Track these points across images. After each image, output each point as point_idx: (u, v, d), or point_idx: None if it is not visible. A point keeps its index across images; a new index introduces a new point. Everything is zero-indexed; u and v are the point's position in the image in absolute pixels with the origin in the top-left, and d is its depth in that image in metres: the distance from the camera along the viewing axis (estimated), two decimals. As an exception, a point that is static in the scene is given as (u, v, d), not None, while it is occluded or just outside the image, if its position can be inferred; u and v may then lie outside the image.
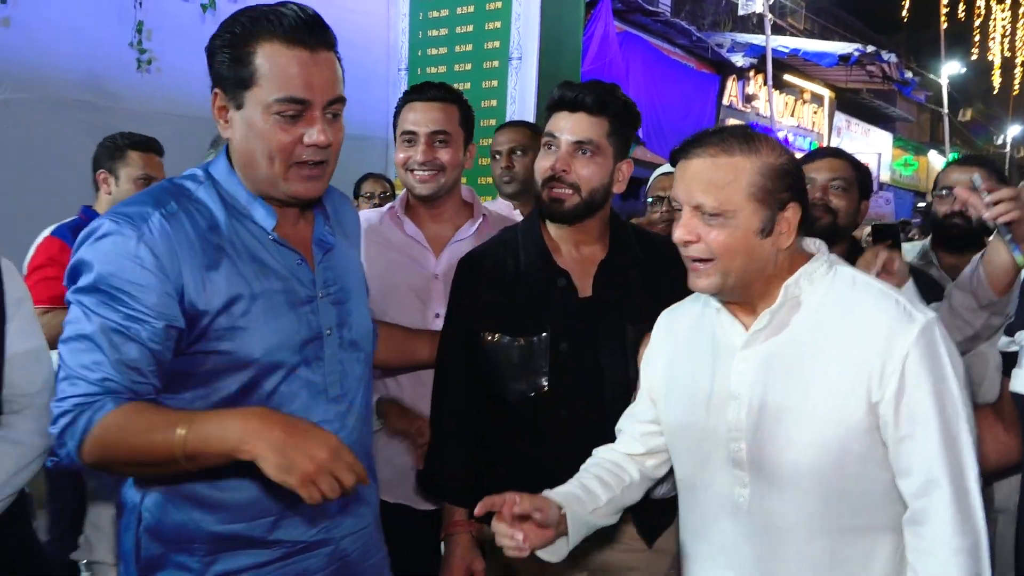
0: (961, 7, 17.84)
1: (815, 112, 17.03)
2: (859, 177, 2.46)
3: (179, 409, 1.32)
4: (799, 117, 16.23)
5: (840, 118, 18.29)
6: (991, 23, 18.95)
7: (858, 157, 2.68)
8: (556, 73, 4.47)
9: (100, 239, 1.30)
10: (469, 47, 4.78)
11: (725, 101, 13.37)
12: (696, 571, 1.54)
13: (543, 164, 1.81)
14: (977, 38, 19.18)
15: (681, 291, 1.72)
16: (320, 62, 1.35)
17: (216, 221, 1.39)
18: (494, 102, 4.64)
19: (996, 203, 1.74)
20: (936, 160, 20.52)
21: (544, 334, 1.79)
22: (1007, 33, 19.53)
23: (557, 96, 1.81)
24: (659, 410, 1.58)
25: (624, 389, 1.73)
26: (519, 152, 2.93)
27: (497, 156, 2.98)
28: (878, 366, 1.33)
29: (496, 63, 4.66)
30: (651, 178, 2.99)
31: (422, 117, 2.10)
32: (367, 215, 2.18)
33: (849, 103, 18.67)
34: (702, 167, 1.39)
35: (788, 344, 1.40)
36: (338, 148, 1.42)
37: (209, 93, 1.41)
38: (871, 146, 18.39)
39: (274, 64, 1.32)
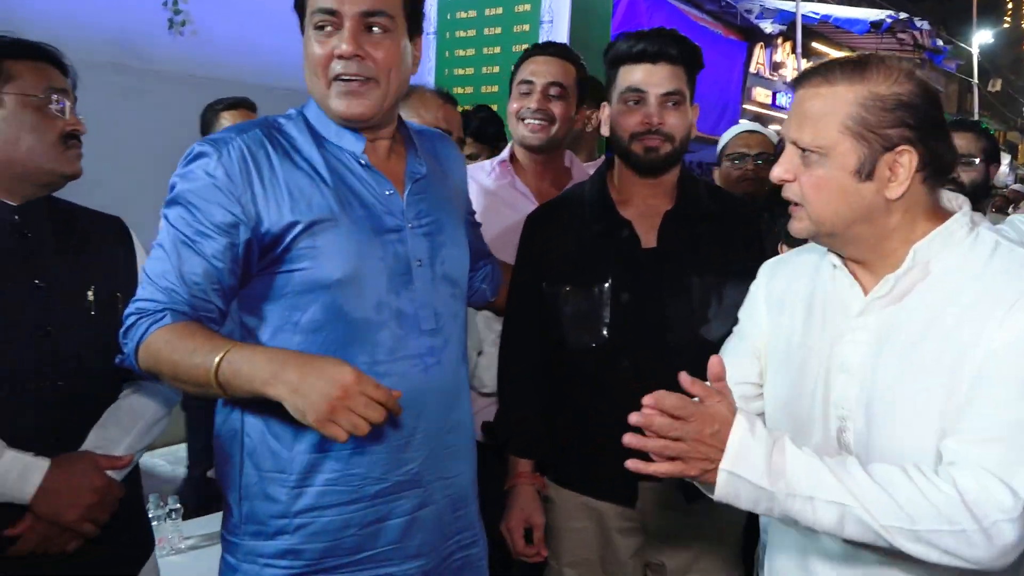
0: (994, -27, 17.39)
1: (842, 81, 16.68)
2: (986, 146, 2.55)
3: (227, 338, 1.36)
4: (826, 86, 15.90)
5: (867, 87, 17.91)
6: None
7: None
8: (587, 37, 4.40)
9: (189, 161, 1.39)
10: (499, 10, 4.70)
11: (752, 69, 13.14)
12: (783, 562, 1.39)
13: (631, 119, 1.79)
14: (1010, 6, 18.73)
15: (753, 250, 1.68)
16: None
17: (302, 148, 1.43)
18: (524, 67, 4.56)
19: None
20: (964, 131, 20.13)
21: (606, 285, 1.78)
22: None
23: (633, 47, 1.77)
24: (763, 372, 1.44)
25: (689, 342, 1.72)
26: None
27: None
28: (984, 339, 1.14)
29: (527, 27, 4.59)
30: (728, 135, 2.99)
31: (541, 68, 2.20)
32: (474, 166, 2.27)
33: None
34: (804, 98, 1.24)
35: (909, 315, 1.23)
36: (387, 65, 1.40)
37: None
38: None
39: None
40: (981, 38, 20.64)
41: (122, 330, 1.39)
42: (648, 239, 1.82)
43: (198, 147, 1.38)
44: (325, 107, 1.43)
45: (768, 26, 12.53)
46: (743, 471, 1.15)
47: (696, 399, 1.18)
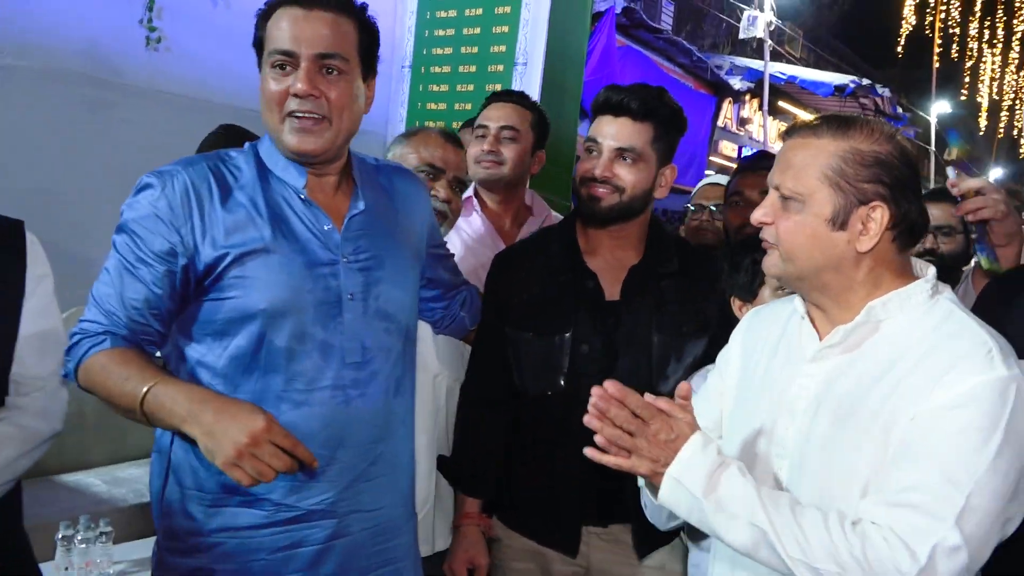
0: (954, 48, 18.12)
1: (806, 140, 17.12)
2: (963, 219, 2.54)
3: (156, 369, 1.40)
4: (790, 144, 16.31)
5: (830, 148, 18.39)
6: (981, 66, 19.26)
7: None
8: (560, 81, 4.48)
9: (136, 191, 1.45)
10: (475, 49, 4.76)
11: (720, 123, 13.46)
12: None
13: (584, 167, 1.82)
14: (967, 79, 19.50)
15: (721, 306, 1.71)
16: (313, 19, 1.44)
17: (246, 181, 1.49)
18: (496, 106, 4.61)
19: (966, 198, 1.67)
20: (920, 196, 20.74)
21: (567, 334, 1.79)
22: (996, 77, 19.85)
23: (603, 99, 1.81)
24: (724, 412, 1.48)
25: None
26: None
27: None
28: (925, 395, 1.17)
29: (501, 67, 4.65)
30: (697, 187, 3.04)
31: (496, 113, 2.36)
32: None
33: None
34: (791, 147, 1.31)
35: (852, 368, 1.27)
36: (340, 105, 1.46)
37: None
38: (858, 178, 18.55)
39: (274, 22, 1.46)
40: (939, 108, 21.40)
41: (66, 348, 1.44)
42: (612, 291, 1.83)
43: (145, 179, 1.45)
44: (278, 141, 1.49)
45: (737, 83, 12.88)
46: (686, 480, 1.21)
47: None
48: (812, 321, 1.35)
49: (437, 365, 2.00)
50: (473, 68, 4.77)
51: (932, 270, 1.32)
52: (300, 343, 1.44)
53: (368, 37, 1.52)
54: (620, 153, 1.78)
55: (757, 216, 1.32)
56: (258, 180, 1.49)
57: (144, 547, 2.13)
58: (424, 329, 1.97)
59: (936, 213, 2.65)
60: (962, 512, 1.12)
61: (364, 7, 1.52)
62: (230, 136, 2.72)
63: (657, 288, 1.83)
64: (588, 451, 1.23)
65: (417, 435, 1.72)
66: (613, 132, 1.78)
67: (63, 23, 3.44)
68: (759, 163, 2.58)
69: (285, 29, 1.43)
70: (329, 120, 1.46)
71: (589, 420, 1.22)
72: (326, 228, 1.49)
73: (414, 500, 1.69)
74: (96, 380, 1.39)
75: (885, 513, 1.16)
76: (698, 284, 1.84)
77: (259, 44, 1.49)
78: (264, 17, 1.48)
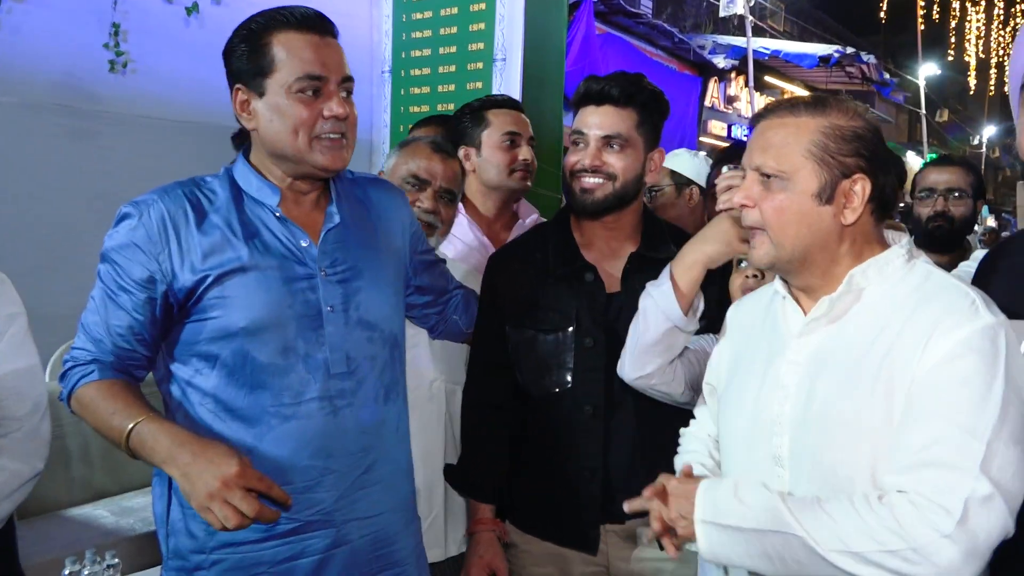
0: (936, 9, 18.04)
1: (795, 113, 17.07)
2: (974, 181, 2.54)
3: (144, 406, 1.43)
4: (779, 118, 16.27)
5: (820, 119, 18.35)
6: (966, 25, 19.19)
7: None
8: (540, 74, 4.45)
9: (116, 222, 1.50)
10: (453, 49, 4.74)
11: (707, 103, 13.43)
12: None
13: (572, 159, 1.80)
14: (953, 39, 19.42)
15: (718, 291, 1.70)
16: (330, 44, 1.51)
17: (219, 204, 1.52)
18: (478, 104, 4.59)
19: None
20: (914, 161, 20.75)
21: (570, 329, 1.76)
22: (982, 35, 19.78)
23: (583, 90, 1.79)
24: (717, 407, 1.50)
25: None
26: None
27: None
28: (918, 354, 1.19)
29: (480, 65, 4.64)
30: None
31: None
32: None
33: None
34: (768, 128, 1.33)
35: (841, 337, 1.30)
36: (354, 123, 1.55)
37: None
38: (851, 147, 18.52)
39: (291, 49, 1.48)
40: (927, 70, 21.32)
41: (60, 374, 1.49)
42: (611, 283, 1.81)
43: (124, 209, 1.50)
44: (301, 159, 1.51)
45: (721, 61, 12.84)
46: (721, 519, 1.25)
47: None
48: (796, 300, 1.38)
49: (433, 370, 1.99)
50: (453, 68, 4.75)
51: (907, 237, 1.38)
52: (284, 358, 1.48)
53: None
54: (607, 141, 1.77)
55: (738, 199, 1.33)
56: (232, 202, 1.53)
57: (154, 576, 2.11)
58: (420, 335, 1.97)
59: (947, 176, 2.64)
60: (984, 460, 1.12)
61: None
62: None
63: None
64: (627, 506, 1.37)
65: (416, 440, 1.74)
66: (597, 121, 1.77)
67: (36, 56, 3.43)
68: (735, 153, 2.58)
69: (311, 55, 1.47)
70: (347, 137, 1.53)
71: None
72: (303, 244, 1.53)
73: (415, 505, 1.71)
74: (86, 412, 1.45)
75: (908, 478, 1.16)
76: None
77: (254, 70, 1.49)
78: (259, 40, 1.48)
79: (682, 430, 1.63)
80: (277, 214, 1.53)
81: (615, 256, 1.84)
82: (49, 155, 3.52)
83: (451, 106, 4.48)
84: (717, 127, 14.12)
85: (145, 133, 3.63)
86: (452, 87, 4.67)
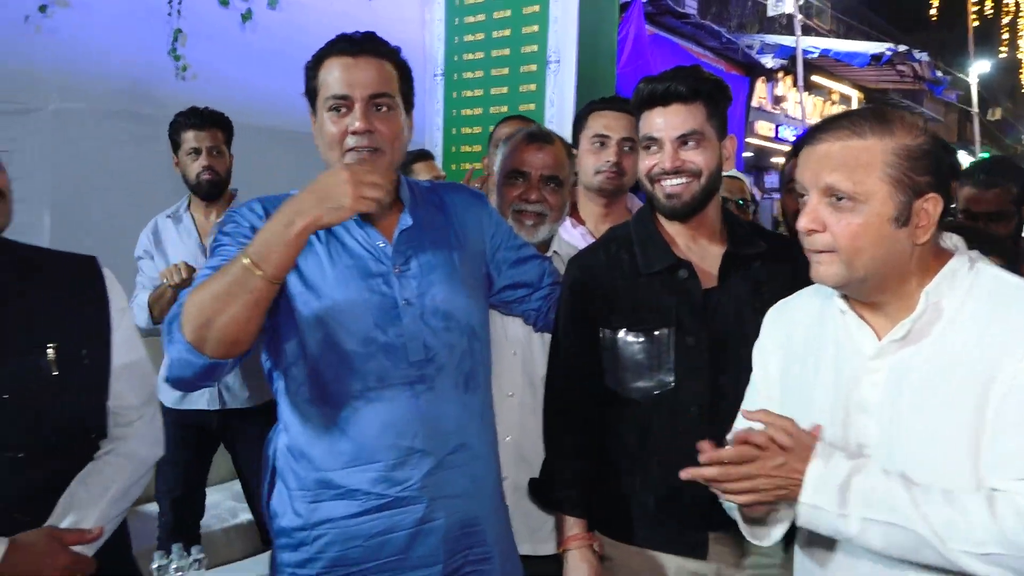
0: (989, 4, 17.60)
1: (843, 113, 16.84)
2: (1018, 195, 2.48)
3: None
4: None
5: (868, 119, 18.07)
6: (1019, 20, 18.69)
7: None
8: (593, 76, 4.43)
9: (224, 221, 1.65)
10: (506, 52, 4.74)
11: (754, 103, 13.26)
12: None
13: (648, 163, 1.77)
14: (1005, 36, 18.93)
15: (806, 284, 1.66)
16: (362, 64, 1.61)
17: None
18: (532, 106, 4.59)
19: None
20: (965, 161, 20.27)
21: (668, 328, 1.72)
22: (1035, 31, 19.24)
23: (646, 93, 1.76)
24: (773, 405, 1.44)
25: None
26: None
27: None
28: (1007, 371, 1.19)
29: (534, 67, 4.62)
30: None
31: (616, 124, 2.41)
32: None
33: (877, 103, 18.48)
34: (833, 149, 1.28)
35: (924, 355, 1.28)
36: (391, 137, 1.62)
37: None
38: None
39: (328, 72, 1.63)
40: (979, 68, 20.81)
41: (166, 322, 1.46)
42: (706, 279, 1.76)
43: (240, 206, 1.66)
44: None
45: (769, 61, 12.68)
46: (822, 502, 1.24)
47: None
48: (861, 317, 1.35)
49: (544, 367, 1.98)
50: (506, 71, 4.75)
51: (961, 240, 1.35)
52: (365, 346, 1.58)
53: (406, 76, 1.69)
54: (683, 140, 1.73)
55: (804, 224, 1.31)
56: None
57: (233, 571, 2.14)
58: (526, 332, 2.02)
59: (989, 197, 2.56)
60: None
61: (398, 50, 1.68)
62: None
63: (748, 272, 1.77)
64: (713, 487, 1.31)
65: (531, 435, 1.88)
66: (669, 122, 1.73)
67: (103, 63, 3.52)
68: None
69: (339, 76, 1.60)
70: (383, 151, 1.62)
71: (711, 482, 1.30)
72: (379, 244, 1.65)
73: (501, 492, 1.78)
74: (199, 302, 1.40)
75: (1019, 485, 1.17)
76: (783, 265, 1.77)
77: (312, 92, 1.66)
78: (314, 68, 1.65)
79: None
80: (356, 219, 1.64)
81: (704, 252, 1.80)
82: (116, 160, 3.60)
83: (504, 109, 4.50)
84: (764, 128, 13.94)
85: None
86: (505, 89, 4.68)
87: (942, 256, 1.32)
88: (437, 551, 1.61)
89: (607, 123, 2.39)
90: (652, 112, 1.75)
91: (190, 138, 2.99)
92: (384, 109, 1.61)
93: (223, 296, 1.38)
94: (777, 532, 1.39)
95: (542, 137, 2.11)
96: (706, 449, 1.30)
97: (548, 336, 1.97)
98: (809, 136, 1.34)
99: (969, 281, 1.29)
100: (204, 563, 2.04)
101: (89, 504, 1.51)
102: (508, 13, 4.71)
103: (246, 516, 3.40)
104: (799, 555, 1.48)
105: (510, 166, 2.08)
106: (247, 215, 1.62)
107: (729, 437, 1.36)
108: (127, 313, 1.66)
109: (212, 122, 3.03)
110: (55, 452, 1.51)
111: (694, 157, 1.74)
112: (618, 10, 5.14)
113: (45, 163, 3.43)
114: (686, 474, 1.31)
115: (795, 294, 1.54)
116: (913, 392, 1.27)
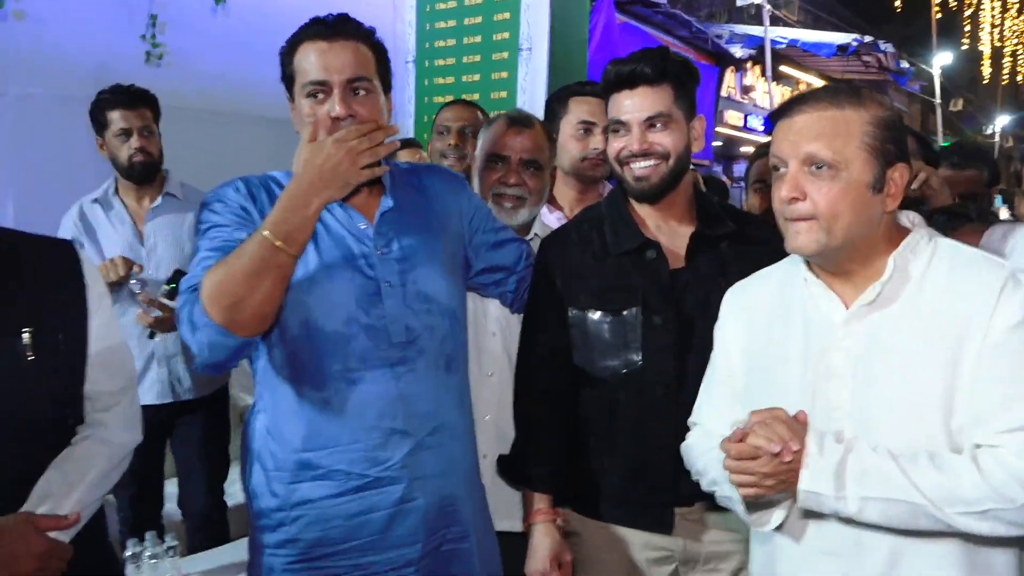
0: (951, -3, 17.85)
1: (810, 103, 17.03)
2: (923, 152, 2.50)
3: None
4: (795, 108, 16.23)
5: (834, 109, 18.28)
6: (981, 13, 18.99)
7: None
8: (565, 64, 4.44)
9: (219, 187, 1.67)
10: (478, 39, 4.73)
11: (723, 92, 13.35)
12: (790, 563, 1.44)
13: (617, 146, 1.78)
14: (967, 28, 19.23)
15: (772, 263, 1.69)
16: (338, 49, 1.60)
17: None
18: (504, 93, 4.60)
19: None
20: (929, 150, 20.54)
21: (635, 308, 1.74)
22: (996, 23, 19.57)
23: (612, 76, 1.77)
24: (745, 399, 1.49)
25: None
26: (469, 132, 2.80)
27: (443, 132, 2.90)
28: (977, 331, 1.26)
29: (505, 54, 4.62)
30: None
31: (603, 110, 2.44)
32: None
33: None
34: (811, 119, 1.34)
35: (893, 319, 1.33)
36: (368, 120, 1.59)
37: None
38: (865, 136, 18.43)
39: (303, 58, 1.61)
40: (942, 59, 21.12)
41: (182, 310, 1.51)
42: (674, 260, 1.79)
43: (220, 186, 1.67)
44: None
45: (738, 51, 12.76)
46: (820, 487, 1.30)
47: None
48: (827, 286, 1.40)
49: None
50: (477, 58, 4.74)
51: (918, 216, 1.45)
52: (347, 327, 1.59)
53: (382, 57, 1.68)
54: (651, 122, 1.75)
55: (785, 193, 1.35)
56: None
57: (206, 560, 2.14)
58: (504, 313, 2.04)
59: (962, 179, 2.64)
60: None
61: (373, 30, 1.67)
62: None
63: (717, 252, 1.80)
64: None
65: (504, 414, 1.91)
66: (636, 104, 1.75)
67: (68, 48, 3.44)
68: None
69: (315, 61, 1.59)
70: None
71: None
72: (361, 226, 1.65)
73: (477, 472, 1.80)
74: (222, 279, 1.45)
75: (1006, 441, 1.24)
76: (751, 246, 1.80)
77: (288, 79, 1.65)
78: (289, 54, 1.64)
79: (693, 429, 1.62)
80: (337, 202, 1.62)
81: (673, 232, 1.82)
82: (80, 147, 3.53)
83: (476, 96, 4.49)
84: (734, 117, 14.04)
85: (174, 123, 3.65)
86: (477, 77, 4.67)
87: (902, 230, 1.40)
88: (417, 530, 1.63)
89: (592, 109, 2.39)
90: (620, 95, 1.77)
91: (117, 118, 2.85)
92: (363, 93, 1.60)
93: (252, 275, 1.44)
94: (777, 516, 1.41)
95: (522, 121, 2.12)
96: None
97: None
98: (785, 110, 1.38)
99: (930, 251, 1.36)
100: (177, 550, 2.04)
101: (65, 490, 1.50)
102: (480, 0, 4.70)
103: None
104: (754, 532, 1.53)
105: (490, 150, 2.09)
106: (233, 196, 1.63)
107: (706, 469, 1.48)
108: (105, 298, 1.64)
109: (141, 100, 2.89)
110: (30, 437, 1.49)
111: (662, 139, 1.75)
112: (589, -2, 5.15)
113: (8, 149, 3.35)
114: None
115: (752, 275, 1.59)
116: (884, 355, 1.32)
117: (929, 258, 1.35)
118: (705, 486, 1.55)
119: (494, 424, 2.01)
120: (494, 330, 2.05)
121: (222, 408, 3.14)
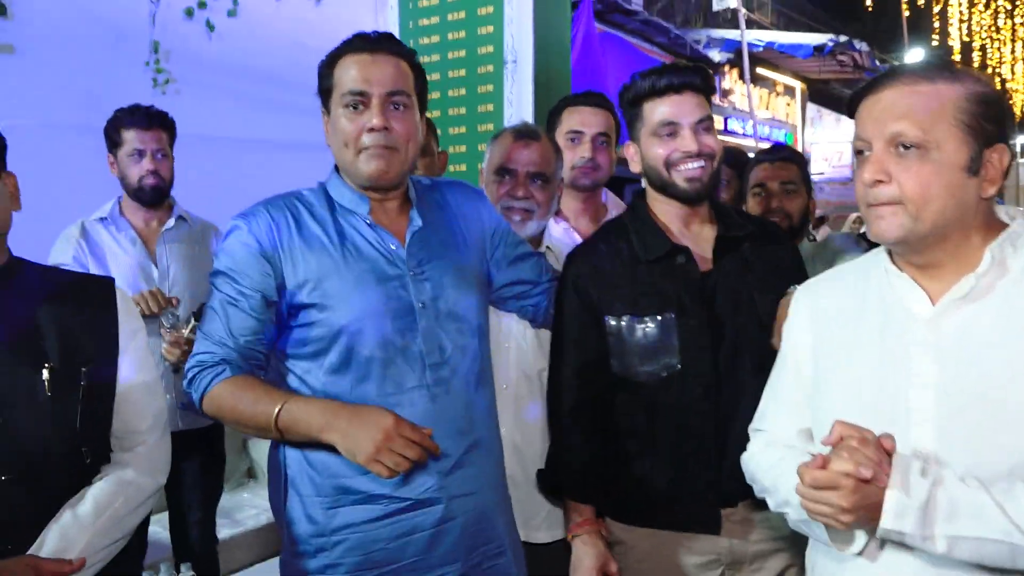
0: (920, -7, 18.08)
1: (788, 104, 17.20)
2: (804, 174, 2.54)
3: (281, 389, 1.60)
4: (773, 109, 16.39)
5: (812, 109, 18.49)
6: (949, 8, 19.24)
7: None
8: (549, 75, 4.47)
9: (226, 236, 1.66)
10: (462, 53, 4.75)
11: (703, 97, 13.43)
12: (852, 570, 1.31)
13: (663, 150, 1.81)
14: (937, 24, 19.47)
15: (793, 264, 1.75)
16: (379, 62, 1.61)
17: (317, 214, 1.66)
18: (491, 107, 4.62)
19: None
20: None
21: (671, 312, 1.78)
22: (964, 18, 19.84)
23: (663, 82, 1.80)
24: (813, 401, 1.40)
25: (764, 360, 1.67)
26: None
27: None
28: None
29: (491, 67, 4.64)
30: None
31: (592, 119, 2.45)
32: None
33: (820, 94, 18.88)
34: (898, 96, 1.21)
35: (991, 315, 1.19)
36: (407, 137, 1.63)
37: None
38: (843, 135, 18.63)
39: (343, 70, 1.63)
40: (914, 56, 21.38)
41: (185, 381, 1.61)
42: (702, 263, 1.84)
43: (232, 221, 1.66)
44: (354, 172, 1.66)
45: (716, 55, 12.87)
46: (905, 527, 1.16)
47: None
48: (912, 279, 1.28)
49: (542, 359, 2.01)
50: (463, 72, 4.76)
51: (1018, 210, 1.29)
52: (384, 351, 1.60)
53: (421, 76, 1.70)
54: (700, 125, 1.81)
55: (869, 175, 1.23)
56: (328, 212, 1.67)
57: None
58: (521, 326, 2.05)
59: (783, 174, 2.66)
60: None
61: (415, 52, 1.70)
62: None
63: (740, 252, 1.85)
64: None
65: (527, 427, 1.95)
66: (687, 108, 1.81)
67: (60, 75, 3.43)
68: (777, 154, 2.66)
69: (356, 73, 1.61)
70: (398, 149, 1.63)
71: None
72: (392, 247, 1.66)
73: (506, 485, 1.83)
74: (225, 406, 1.56)
75: None
76: (770, 246, 1.88)
77: (325, 91, 1.66)
78: (328, 66, 1.66)
79: (755, 436, 1.56)
80: (368, 221, 1.66)
81: (697, 236, 1.87)
82: (75, 178, 3.52)
83: (462, 111, 4.51)
84: (714, 121, 14.13)
85: (181, 151, 3.66)
86: (463, 91, 4.68)
87: (999, 219, 1.27)
88: (457, 548, 1.65)
89: (582, 119, 2.42)
90: (664, 99, 1.81)
91: (132, 138, 2.80)
92: (401, 108, 1.62)
93: (244, 422, 1.56)
94: (860, 539, 1.28)
95: (528, 134, 2.15)
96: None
97: (540, 330, 2.00)
98: (869, 88, 1.27)
99: None
100: (194, 583, 2.04)
101: (76, 532, 1.45)
102: (463, 15, 4.72)
103: (228, 531, 3.36)
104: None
105: (497, 163, 2.12)
106: (240, 249, 1.63)
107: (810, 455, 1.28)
108: (139, 334, 1.62)
109: (158, 123, 2.85)
110: (45, 476, 1.46)
111: (709, 141, 1.82)
112: (569, 9, 5.18)
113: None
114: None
115: (824, 272, 1.53)
116: (976, 357, 1.19)
117: None
118: (773, 507, 1.46)
119: (508, 437, 2.02)
120: (509, 344, 2.07)
121: (218, 440, 3.07)
